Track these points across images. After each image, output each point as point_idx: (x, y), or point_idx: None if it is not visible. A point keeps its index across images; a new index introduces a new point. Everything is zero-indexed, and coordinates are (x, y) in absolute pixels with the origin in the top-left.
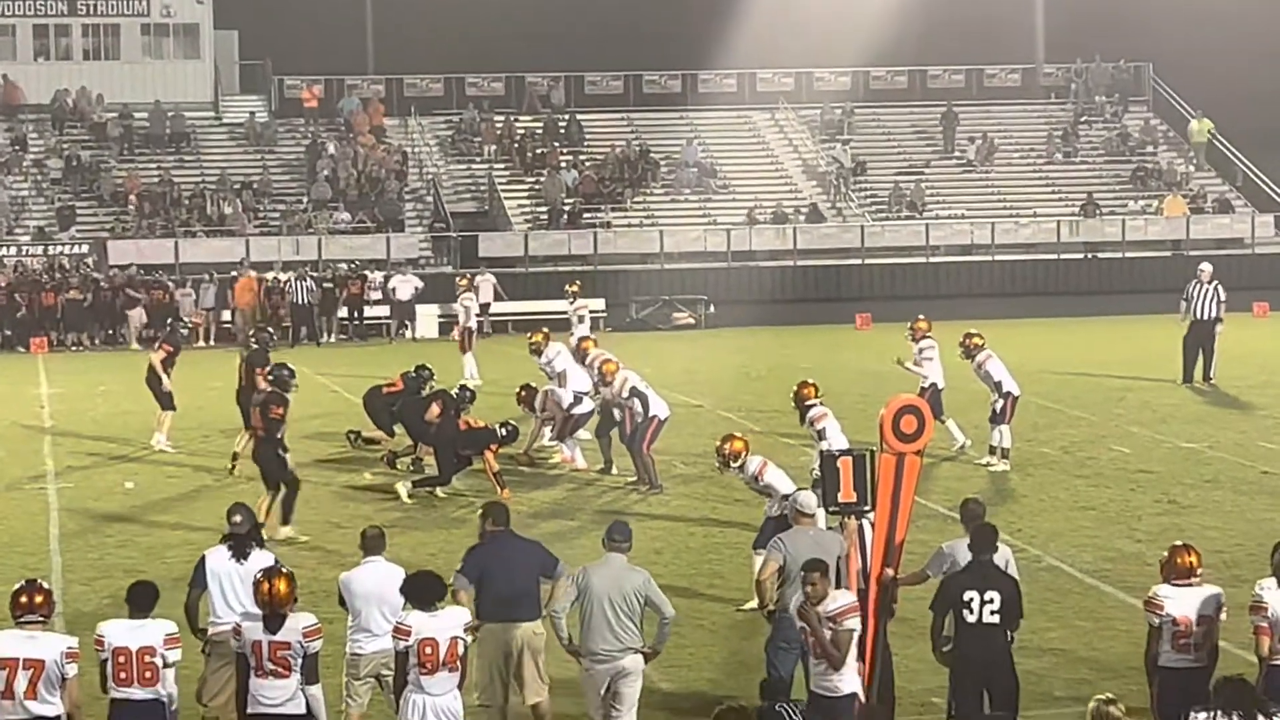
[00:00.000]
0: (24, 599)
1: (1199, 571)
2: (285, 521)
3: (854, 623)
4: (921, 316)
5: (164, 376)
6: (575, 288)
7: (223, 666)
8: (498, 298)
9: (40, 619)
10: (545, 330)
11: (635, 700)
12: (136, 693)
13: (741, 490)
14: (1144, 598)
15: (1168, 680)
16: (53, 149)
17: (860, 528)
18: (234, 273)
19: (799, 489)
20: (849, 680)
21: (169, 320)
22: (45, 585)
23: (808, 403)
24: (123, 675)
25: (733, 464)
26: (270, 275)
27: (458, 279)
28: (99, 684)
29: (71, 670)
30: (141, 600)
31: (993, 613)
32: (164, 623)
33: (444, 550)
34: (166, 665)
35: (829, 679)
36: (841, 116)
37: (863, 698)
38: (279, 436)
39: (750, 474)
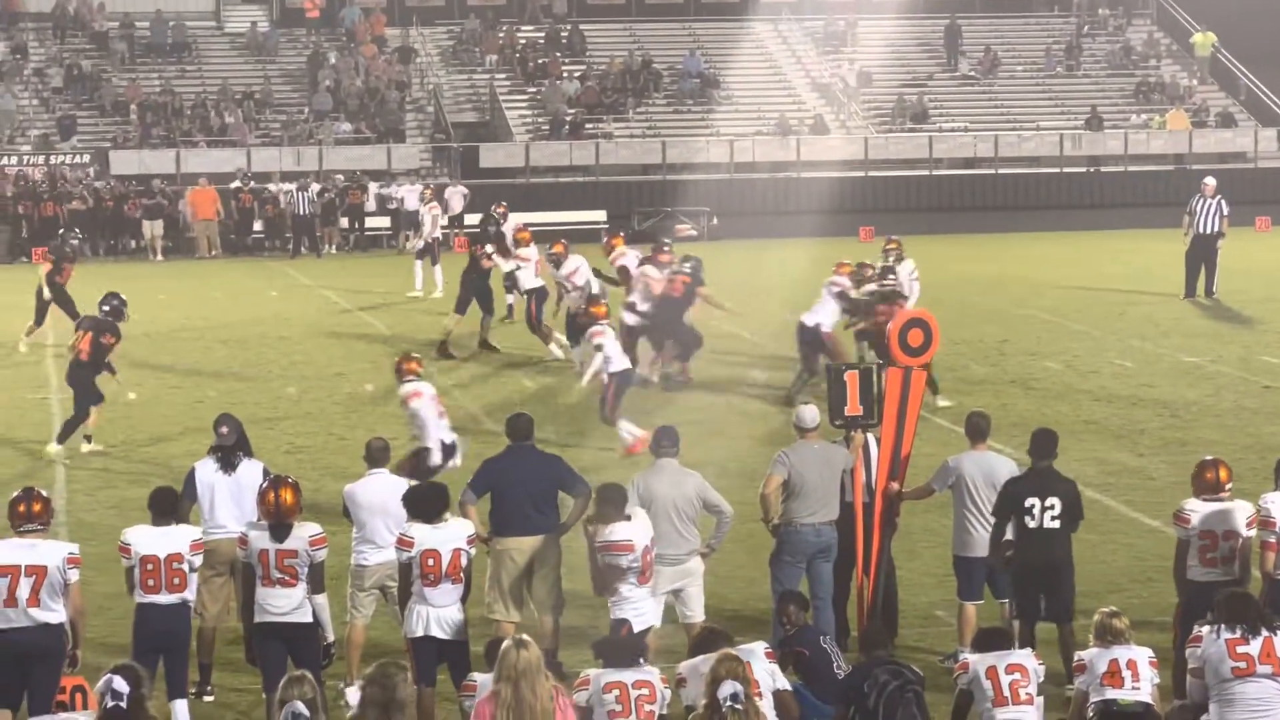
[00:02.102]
0: (21, 508)
1: (1228, 486)
2: (60, 441)
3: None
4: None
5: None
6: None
7: (214, 576)
8: (467, 209)
9: (39, 527)
10: (564, 241)
11: (703, 599)
12: (163, 598)
13: (744, 401)
14: (1161, 512)
15: (1195, 595)
16: (54, 58)
17: (866, 442)
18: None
19: (803, 404)
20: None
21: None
22: (43, 493)
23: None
24: (150, 582)
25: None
26: (233, 185)
27: (423, 189)
28: (125, 588)
29: (73, 576)
30: (163, 506)
31: (1053, 518)
32: (188, 528)
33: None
34: (193, 570)
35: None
36: (845, 28)
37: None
38: (105, 362)
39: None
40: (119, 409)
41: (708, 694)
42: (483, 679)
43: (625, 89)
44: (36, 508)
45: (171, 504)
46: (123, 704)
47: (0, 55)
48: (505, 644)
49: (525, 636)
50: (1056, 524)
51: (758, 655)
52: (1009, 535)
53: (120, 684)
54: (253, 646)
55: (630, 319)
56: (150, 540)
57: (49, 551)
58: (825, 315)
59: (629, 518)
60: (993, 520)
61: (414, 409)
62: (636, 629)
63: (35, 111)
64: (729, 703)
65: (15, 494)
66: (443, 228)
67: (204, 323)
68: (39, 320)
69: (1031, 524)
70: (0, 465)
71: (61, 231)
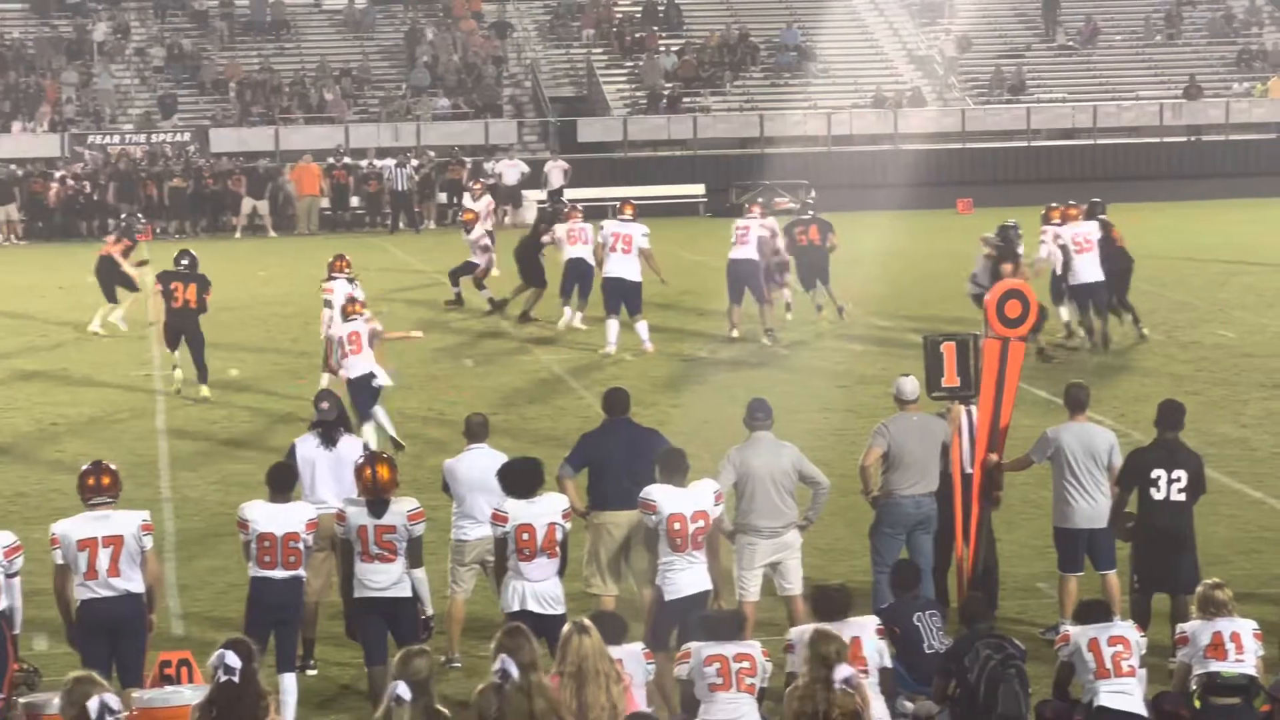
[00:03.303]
0: (91, 480)
1: None
2: (204, 379)
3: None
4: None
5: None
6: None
7: (315, 551)
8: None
9: (110, 499)
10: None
11: (801, 572)
12: (279, 573)
13: (848, 381)
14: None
15: None
16: (155, 37)
17: (968, 413)
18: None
19: (901, 376)
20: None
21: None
22: (111, 466)
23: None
24: (267, 559)
25: None
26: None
27: (471, 184)
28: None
29: (148, 543)
30: (282, 482)
31: (1180, 490)
32: (305, 506)
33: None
34: (307, 548)
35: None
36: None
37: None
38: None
39: None
40: (221, 386)
41: (814, 671)
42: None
43: (722, 62)
44: (106, 480)
45: (290, 480)
46: (235, 678)
47: (102, 35)
48: (566, 629)
49: (586, 621)
50: (1183, 496)
51: (869, 631)
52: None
53: (233, 659)
54: (352, 621)
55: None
56: (269, 517)
57: (123, 521)
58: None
59: (683, 482)
60: (1109, 491)
61: (325, 300)
62: (667, 598)
63: (136, 90)
64: (842, 686)
65: (84, 467)
66: (538, 203)
67: (304, 299)
68: (113, 297)
69: (1157, 495)
70: (106, 445)
71: (124, 214)
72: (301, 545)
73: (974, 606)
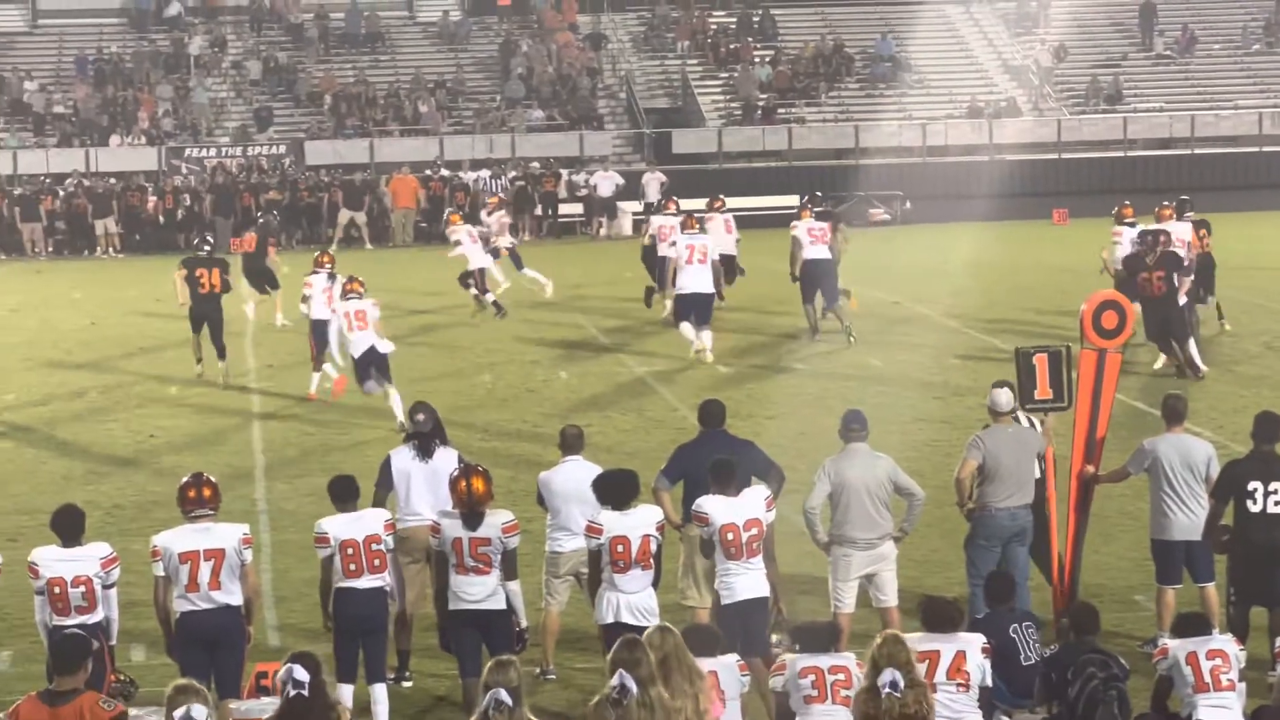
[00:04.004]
0: (192, 493)
1: None
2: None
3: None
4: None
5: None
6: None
7: (410, 563)
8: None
9: (210, 511)
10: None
11: (896, 584)
12: (363, 582)
13: (943, 392)
14: None
15: None
16: (251, 50)
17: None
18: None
19: (995, 387)
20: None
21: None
22: (211, 478)
23: None
24: (352, 567)
25: None
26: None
27: (487, 198)
28: (321, 580)
29: (249, 556)
30: (345, 494)
31: (1276, 503)
32: (379, 510)
33: (644, 449)
34: (389, 550)
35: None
36: (1037, 9)
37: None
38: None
39: None
40: (315, 400)
41: (868, 677)
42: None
43: (817, 73)
44: (207, 493)
45: (352, 489)
46: (304, 692)
47: (199, 49)
48: (648, 630)
49: (668, 624)
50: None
51: (974, 647)
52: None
53: (300, 672)
54: (446, 634)
55: None
56: (344, 527)
57: (224, 534)
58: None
59: (735, 492)
60: (1207, 503)
61: (304, 294)
62: (724, 603)
63: (232, 104)
64: (888, 690)
65: (184, 480)
66: (633, 214)
67: (398, 311)
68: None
69: (1254, 508)
70: (202, 456)
71: (260, 215)
72: (384, 547)
73: (1085, 618)
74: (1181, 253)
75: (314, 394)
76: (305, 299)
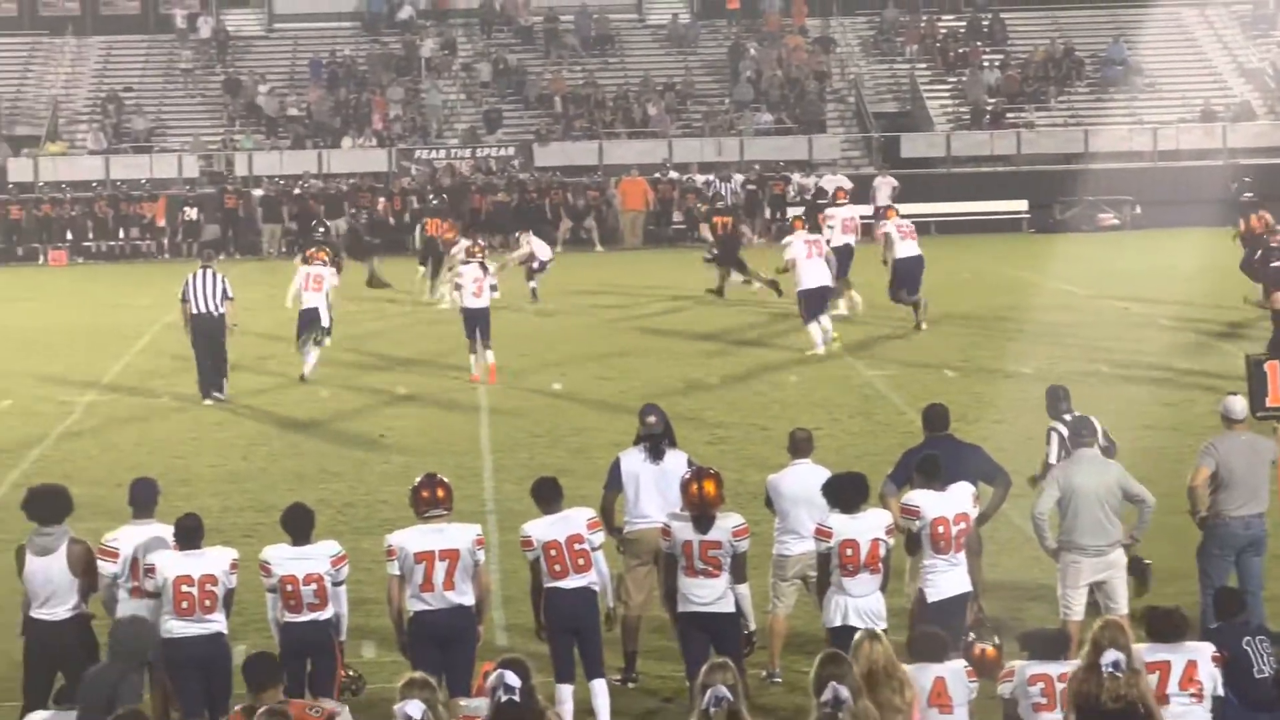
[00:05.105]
0: (426, 493)
1: None
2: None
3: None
4: None
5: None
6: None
7: (638, 566)
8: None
9: (444, 511)
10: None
11: (1127, 592)
12: (568, 582)
13: (1173, 399)
14: None
15: None
16: (481, 52)
17: None
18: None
19: (1229, 394)
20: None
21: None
22: (444, 479)
23: None
24: (557, 567)
25: None
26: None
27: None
28: (531, 583)
29: (481, 557)
30: (548, 496)
31: None
32: (582, 510)
33: (872, 452)
34: (594, 549)
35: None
36: (1274, 10)
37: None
38: None
39: None
40: (547, 397)
41: (1088, 657)
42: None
43: (1047, 77)
44: (441, 493)
45: (557, 493)
46: (515, 697)
47: (430, 51)
48: (857, 635)
49: (878, 630)
50: None
51: (1205, 656)
52: None
53: (512, 678)
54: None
55: None
56: (547, 528)
57: (458, 535)
58: None
59: (942, 486)
60: None
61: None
62: (929, 600)
63: (462, 105)
64: (1109, 670)
65: (418, 480)
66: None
67: (621, 314)
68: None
69: None
70: (431, 456)
71: (316, 225)
72: (588, 546)
73: None
74: None
75: (476, 376)
76: (457, 288)
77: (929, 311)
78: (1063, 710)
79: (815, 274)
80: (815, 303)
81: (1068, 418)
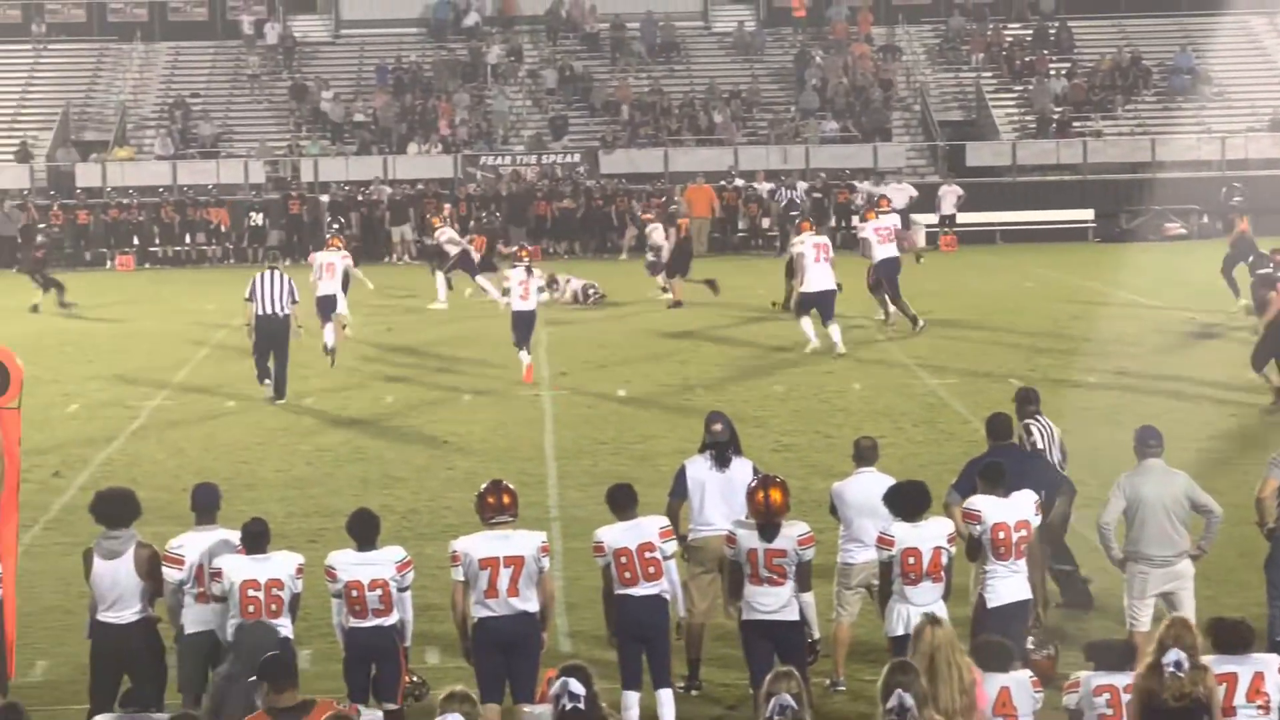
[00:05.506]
0: (491, 499)
1: None
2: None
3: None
4: None
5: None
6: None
7: (702, 573)
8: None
9: (510, 518)
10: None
11: (1194, 603)
12: (639, 589)
13: (1240, 404)
14: None
15: None
16: (547, 59)
17: None
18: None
19: None
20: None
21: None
22: (510, 485)
23: None
24: (627, 575)
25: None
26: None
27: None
28: (603, 588)
29: (546, 564)
30: (623, 502)
31: None
32: (655, 518)
33: (936, 461)
34: (666, 558)
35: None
36: None
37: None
38: None
39: None
40: (611, 404)
41: (1152, 656)
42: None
43: (1114, 86)
44: (506, 499)
45: (631, 498)
46: (580, 705)
47: (496, 58)
48: (919, 622)
49: (938, 615)
50: None
51: (1272, 669)
52: None
53: (576, 685)
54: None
55: None
56: (620, 535)
57: (524, 542)
58: None
59: (1005, 493)
60: None
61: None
62: (989, 605)
63: (528, 112)
64: (1171, 669)
65: (484, 486)
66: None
67: (686, 321)
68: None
69: None
70: (496, 463)
71: (331, 222)
72: (659, 555)
73: None
74: None
75: (529, 375)
76: (505, 291)
77: (895, 325)
78: None
79: (820, 277)
80: (822, 306)
81: (1039, 420)
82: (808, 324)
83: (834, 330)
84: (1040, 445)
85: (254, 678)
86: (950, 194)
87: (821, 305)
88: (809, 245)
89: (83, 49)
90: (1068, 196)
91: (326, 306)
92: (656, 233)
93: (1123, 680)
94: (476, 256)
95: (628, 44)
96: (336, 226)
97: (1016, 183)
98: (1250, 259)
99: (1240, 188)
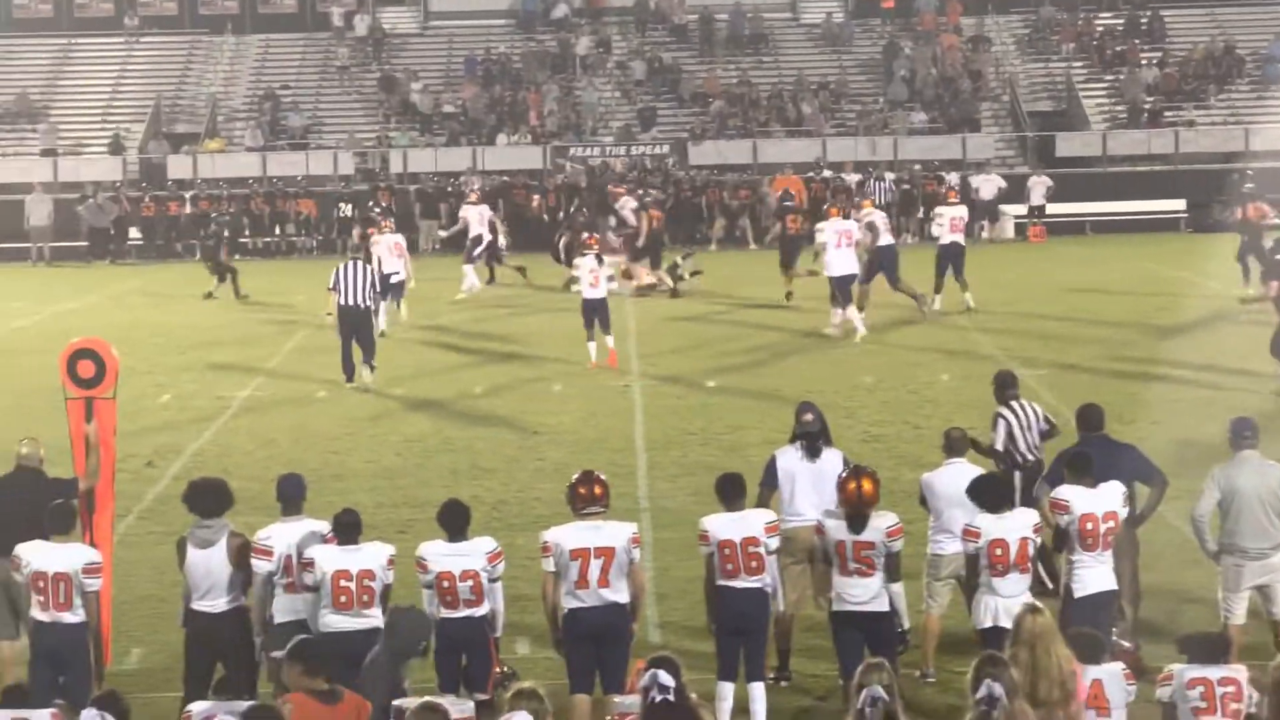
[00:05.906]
0: (583, 490)
1: None
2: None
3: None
4: None
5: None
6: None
7: (792, 564)
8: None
9: (601, 509)
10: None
11: None
12: (739, 581)
13: None
14: None
15: None
16: (635, 51)
17: None
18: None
19: None
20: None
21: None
22: (601, 476)
23: None
24: (729, 566)
25: None
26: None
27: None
28: (705, 578)
29: (637, 555)
30: (731, 493)
31: None
32: (762, 512)
33: None
34: (770, 553)
35: None
36: None
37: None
38: None
39: None
40: (701, 394)
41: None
42: None
43: (1206, 75)
44: (598, 490)
45: (740, 489)
46: (669, 696)
47: (584, 49)
48: (1019, 611)
49: (1038, 603)
50: None
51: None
52: None
53: (665, 677)
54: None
55: None
56: (725, 526)
57: (615, 533)
58: None
59: (1093, 483)
60: None
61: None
62: (1075, 595)
63: (617, 103)
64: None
65: (575, 477)
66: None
67: (775, 311)
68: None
69: None
70: (585, 454)
71: (375, 204)
72: (763, 550)
73: None
74: None
75: (594, 363)
76: (575, 279)
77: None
78: (1223, 715)
79: (843, 262)
80: (843, 290)
81: (1015, 404)
82: (855, 313)
83: (853, 314)
84: (1002, 442)
85: (406, 659)
86: (1039, 185)
87: (842, 289)
88: (830, 232)
89: (174, 42)
90: (1159, 187)
91: (396, 285)
92: (627, 209)
93: (1217, 673)
94: (504, 242)
95: (716, 35)
96: (379, 211)
97: (1107, 173)
98: (1269, 245)
99: (1252, 174)
